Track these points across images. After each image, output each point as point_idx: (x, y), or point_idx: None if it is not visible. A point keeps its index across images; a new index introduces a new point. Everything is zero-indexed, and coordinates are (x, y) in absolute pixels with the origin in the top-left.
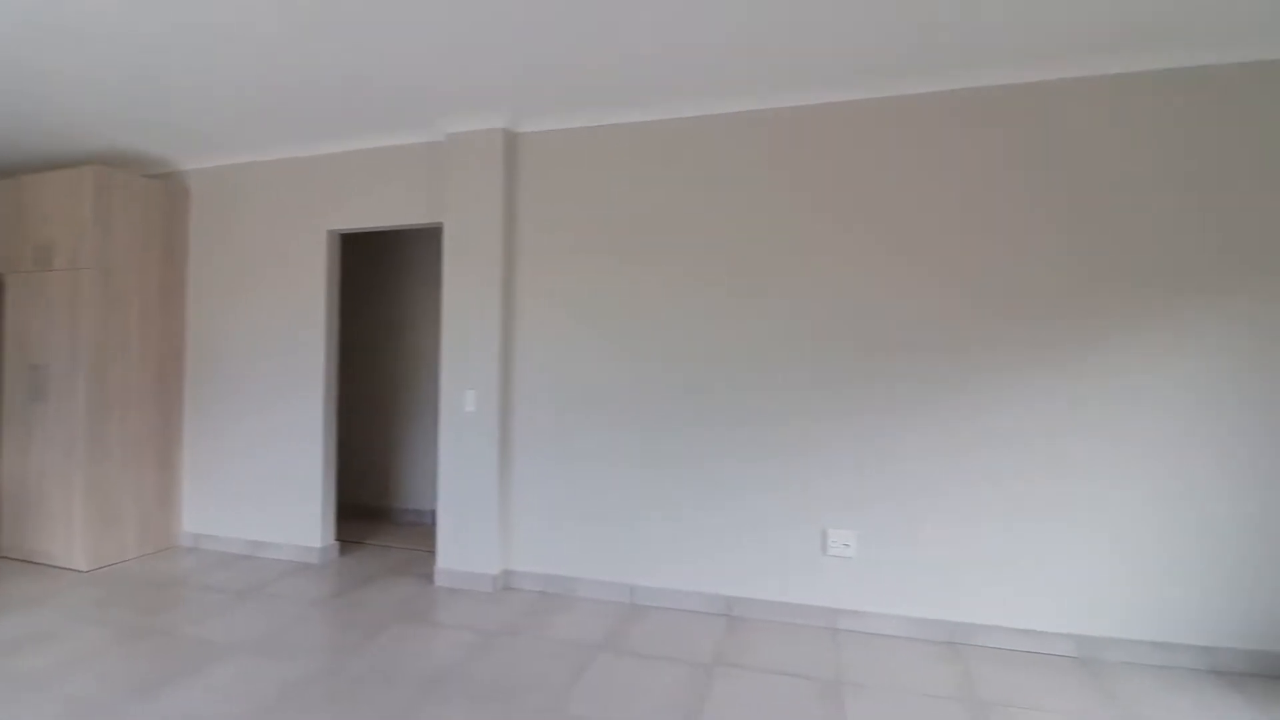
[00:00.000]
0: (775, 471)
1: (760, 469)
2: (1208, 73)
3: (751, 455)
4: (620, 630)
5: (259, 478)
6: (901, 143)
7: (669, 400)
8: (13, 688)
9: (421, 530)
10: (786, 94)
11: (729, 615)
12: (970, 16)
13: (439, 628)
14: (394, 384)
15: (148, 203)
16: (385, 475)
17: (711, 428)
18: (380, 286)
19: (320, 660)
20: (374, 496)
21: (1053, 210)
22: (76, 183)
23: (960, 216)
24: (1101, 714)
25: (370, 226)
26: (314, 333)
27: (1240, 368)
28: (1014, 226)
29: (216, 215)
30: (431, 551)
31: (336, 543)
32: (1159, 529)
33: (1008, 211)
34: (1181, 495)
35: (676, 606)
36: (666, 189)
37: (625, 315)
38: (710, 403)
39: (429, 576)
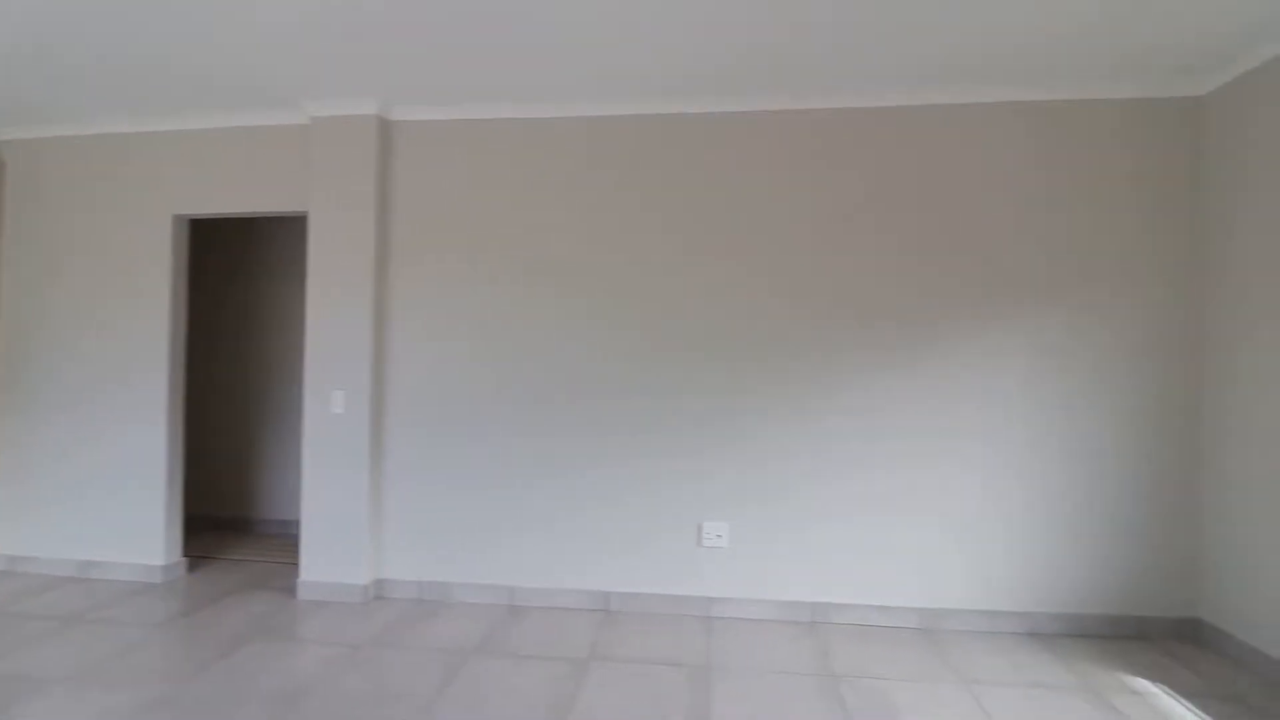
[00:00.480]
0: (652, 471)
1: (638, 468)
2: (1041, 107)
3: (629, 456)
4: (497, 632)
5: (88, 489)
6: (774, 158)
7: (548, 403)
8: None
9: (285, 542)
10: (651, 101)
11: (607, 610)
12: (829, 44)
13: (300, 643)
14: (258, 386)
15: None
16: (245, 484)
17: (590, 431)
18: (244, 279)
19: (159, 687)
20: (232, 508)
21: (899, 224)
22: None
23: (814, 228)
24: (935, 677)
25: (224, 213)
26: (156, 327)
27: (1058, 367)
28: (863, 239)
29: (37, 193)
30: (295, 564)
31: (184, 559)
32: (989, 513)
33: (858, 225)
34: (1007, 484)
35: (556, 605)
36: (545, 190)
37: (505, 317)
38: (589, 407)
39: (291, 590)
